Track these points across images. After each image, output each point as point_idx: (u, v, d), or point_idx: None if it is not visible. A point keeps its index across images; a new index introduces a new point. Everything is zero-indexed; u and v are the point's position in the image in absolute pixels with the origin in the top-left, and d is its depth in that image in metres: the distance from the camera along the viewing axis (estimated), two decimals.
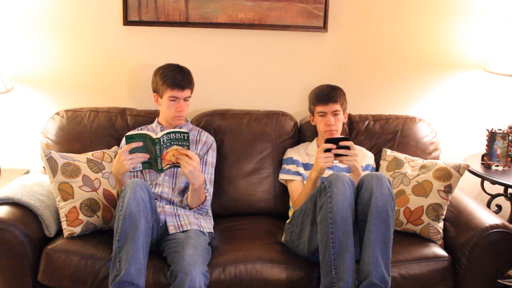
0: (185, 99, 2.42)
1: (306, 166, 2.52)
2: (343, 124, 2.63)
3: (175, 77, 2.39)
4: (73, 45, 2.79)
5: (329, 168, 2.44)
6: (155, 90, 2.46)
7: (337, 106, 2.47)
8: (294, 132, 2.72)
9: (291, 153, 2.60)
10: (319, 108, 2.49)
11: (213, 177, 2.48)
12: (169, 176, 2.43)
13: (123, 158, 2.11)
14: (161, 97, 2.43)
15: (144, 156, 2.12)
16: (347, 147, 2.22)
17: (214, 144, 2.54)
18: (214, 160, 2.51)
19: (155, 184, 2.42)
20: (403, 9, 2.80)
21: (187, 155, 2.13)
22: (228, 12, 2.74)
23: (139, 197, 2.02)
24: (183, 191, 2.43)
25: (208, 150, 2.50)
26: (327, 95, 2.47)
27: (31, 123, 2.84)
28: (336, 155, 2.23)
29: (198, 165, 2.18)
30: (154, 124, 2.55)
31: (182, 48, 2.82)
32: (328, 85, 2.53)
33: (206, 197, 2.36)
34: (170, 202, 2.39)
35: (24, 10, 2.73)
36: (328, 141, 2.23)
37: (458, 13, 2.80)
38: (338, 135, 2.48)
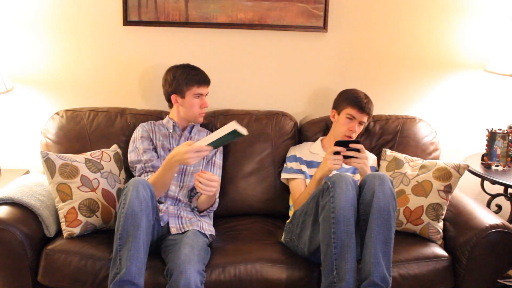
0: (206, 95, 2.48)
1: (310, 164, 2.52)
2: None
3: (199, 75, 2.45)
4: (73, 45, 2.79)
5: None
6: (174, 92, 2.45)
7: (366, 119, 2.48)
8: (294, 133, 2.72)
9: (294, 150, 2.60)
10: (351, 111, 2.46)
11: (220, 178, 2.51)
12: (177, 174, 2.42)
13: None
14: (183, 97, 2.44)
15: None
16: (357, 150, 2.22)
17: (221, 147, 2.55)
18: (221, 162, 2.54)
19: None
20: (403, 9, 2.80)
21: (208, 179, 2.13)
22: (228, 12, 2.74)
23: (142, 196, 2.02)
24: (191, 189, 2.44)
25: (216, 152, 2.52)
26: (365, 105, 2.46)
27: (31, 123, 2.84)
28: (345, 157, 2.23)
29: (215, 177, 2.18)
30: (165, 120, 2.54)
31: (182, 48, 2.82)
32: (366, 95, 2.52)
33: (215, 199, 2.38)
34: (176, 200, 2.40)
35: (24, 10, 2.73)
36: (338, 143, 2.23)
37: (458, 13, 2.80)
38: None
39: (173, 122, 2.51)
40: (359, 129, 2.49)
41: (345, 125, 2.48)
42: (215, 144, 2.08)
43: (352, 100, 2.48)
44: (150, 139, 2.46)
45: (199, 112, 2.47)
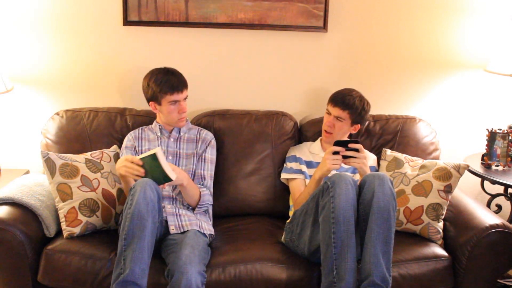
0: (184, 99, 2.44)
1: (310, 164, 2.52)
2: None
3: (171, 81, 2.40)
4: (73, 45, 2.79)
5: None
6: (151, 99, 2.44)
7: (343, 114, 2.44)
8: (293, 133, 2.72)
9: (294, 151, 2.60)
10: (328, 106, 2.51)
11: (213, 172, 2.50)
12: None
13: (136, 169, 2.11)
14: (159, 104, 2.43)
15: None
16: (356, 150, 2.22)
17: (213, 141, 2.55)
18: (214, 157, 2.52)
19: None
20: (403, 9, 2.80)
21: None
22: (228, 12, 2.74)
23: (149, 197, 2.02)
24: None
25: (206, 147, 2.51)
26: (341, 99, 2.45)
27: (31, 123, 2.84)
28: (344, 157, 2.23)
29: (176, 167, 2.20)
30: (153, 124, 2.55)
31: (182, 48, 2.82)
32: (351, 93, 2.47)
33: (200, 192, 2.37)
34: (173, 199, 2.40)
35: (24, 10, 2.73)
36: (337, 143, 2.23)
37: (458, 13, 2.81)
38: (337, 139, 2.47)
39: (159, 126, 2.52)
40: (338, 126, 2.46)
41: (324, 119, 2.52)
42: (146, 165, 2.08)
43: (331, 96, 2.52)
44: (133, 148, 2.48)
45: (178, 118, 2.45)
